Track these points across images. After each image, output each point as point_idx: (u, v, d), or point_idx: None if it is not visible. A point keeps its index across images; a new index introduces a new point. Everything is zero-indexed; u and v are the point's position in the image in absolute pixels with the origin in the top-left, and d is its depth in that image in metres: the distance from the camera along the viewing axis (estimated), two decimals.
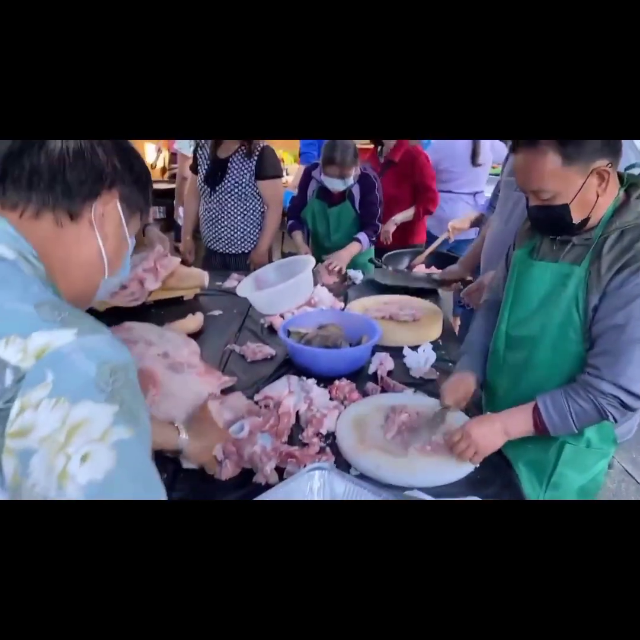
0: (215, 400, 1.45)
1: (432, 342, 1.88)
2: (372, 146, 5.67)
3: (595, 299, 1.13)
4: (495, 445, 1.21)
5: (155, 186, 4.16)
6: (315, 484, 1.15)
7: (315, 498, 1.13)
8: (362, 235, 2.63)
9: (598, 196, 1.12)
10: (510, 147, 1.19)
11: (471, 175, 3.38)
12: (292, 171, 5.40)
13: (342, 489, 1.13)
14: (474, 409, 1.50)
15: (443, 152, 3.35)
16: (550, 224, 1.19)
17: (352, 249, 2.61)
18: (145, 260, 2.04)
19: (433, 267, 2.58)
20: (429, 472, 1.21)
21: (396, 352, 1.78)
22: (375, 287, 2.45)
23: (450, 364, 1.76)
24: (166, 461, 1.29)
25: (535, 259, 1.27)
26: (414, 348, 1.79)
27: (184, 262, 2.65)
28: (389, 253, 2.64)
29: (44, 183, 0.72)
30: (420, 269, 2.61)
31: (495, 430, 1.20)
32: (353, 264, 2.63)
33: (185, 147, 3.66)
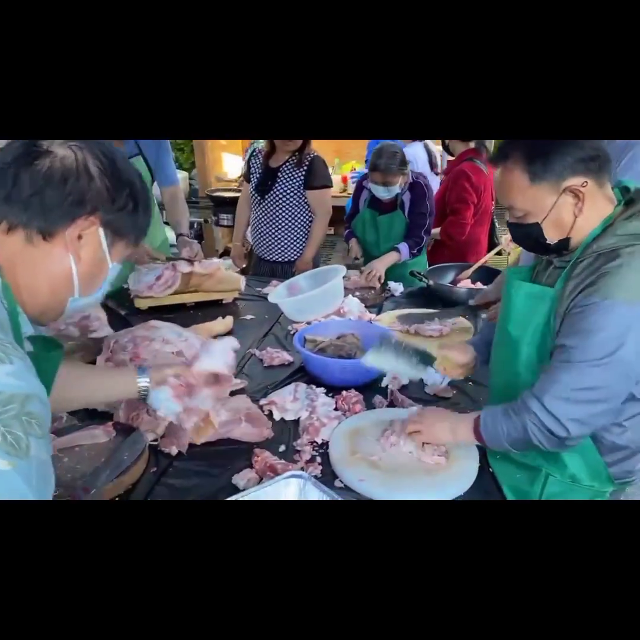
0: (217, 400, 1.48)
1: None
2: None
3: (559, 322, 1.07)
4: (439, 440, 1.25)
5: (227, 195, 4.29)
6: (291, 491, 1.14)
7: None
8: (403, 246, 2.58)
9: (576, 216, 1.04)
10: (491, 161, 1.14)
11: (434, 183, 3.58)
12: None
13: (316, 498, 1.11)
14: None
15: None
16: (525, 242, 1.13)
17: (389, 258, 2.57)
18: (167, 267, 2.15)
19: (479, 283, 2.48)
20: (411, 492, 1.17)
21: None
22: (414, 301, 2.39)
23: (470, 383, 1.68)
24: (160, 456, 1.34)
25: (530, 279, 1.21)
26: None
27: (243, 271, 2.76)
28: (433, 267, 2.57)
29: (22, 200, 0.73)
30: (466, 284, 2.52)
31: (444, 427, 1.23)
32: (394, 276, 2.58)
33: None
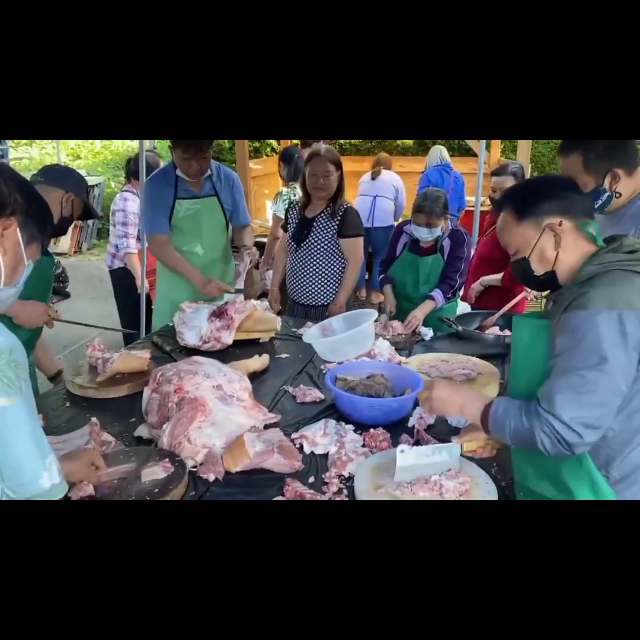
0: (253, 432, 1.59)
1: None
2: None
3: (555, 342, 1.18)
4: (446, 412, 1.43)
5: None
6: None
7: None
8: (436, 293, 2.69)
9: (557, 251, 1.21)
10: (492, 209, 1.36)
11: (368, 185, 5.42)
12: None
13: None
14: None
15: None
16: (521, 276, 1.30)
17: (426, 307, 2.67)
18: (217, 316, 2.34)
19: (506, 330, 2.54)
20: None
21: None
22: (443, 345, 2.47)
23: None
24: (198, 482, 1.44)
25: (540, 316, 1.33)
26: None
27: (279, 314, 2.93)
28: (461, 313, 2.66)
29: None
30: (494, 331, 2.59)
31: (454, 402, 1.33)
32: (424, 321, 2.67)
33: (280, 210, 4.05)
